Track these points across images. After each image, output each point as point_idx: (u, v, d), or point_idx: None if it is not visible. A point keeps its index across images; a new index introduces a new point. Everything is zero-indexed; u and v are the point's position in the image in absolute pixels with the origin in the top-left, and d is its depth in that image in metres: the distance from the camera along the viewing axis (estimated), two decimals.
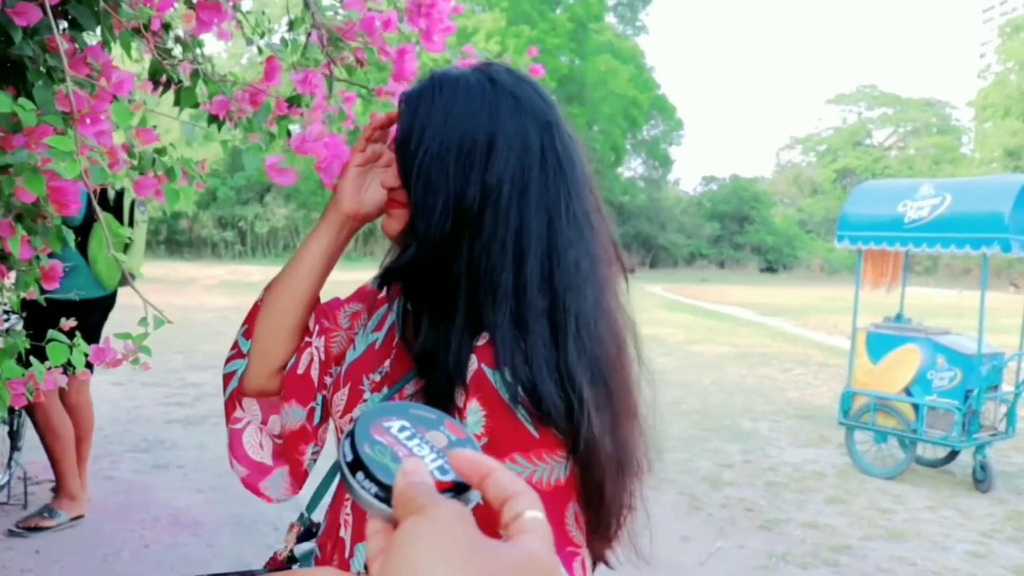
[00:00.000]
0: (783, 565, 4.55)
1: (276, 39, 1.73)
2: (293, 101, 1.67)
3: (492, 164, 1.06)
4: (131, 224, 3.98)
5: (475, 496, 0.61)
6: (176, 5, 1.04)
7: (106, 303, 4.08)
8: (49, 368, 1.46)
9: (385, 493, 0.58)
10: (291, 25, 1.66)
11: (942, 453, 6.75)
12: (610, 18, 50.25)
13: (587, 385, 1.04)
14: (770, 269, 51.85)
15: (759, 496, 5.77)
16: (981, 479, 6.18)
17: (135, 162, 1.73)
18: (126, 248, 3.89)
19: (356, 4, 1.41)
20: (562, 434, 1.00)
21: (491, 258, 1.05)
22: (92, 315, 3.89)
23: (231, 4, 1.50)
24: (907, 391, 6.34)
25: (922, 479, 6.45)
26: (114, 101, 1.05)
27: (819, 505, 5.65)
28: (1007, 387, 6.60)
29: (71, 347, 1.46)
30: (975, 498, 6.01)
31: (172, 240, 39.33)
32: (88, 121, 1.14)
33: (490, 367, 1.02)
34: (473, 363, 1.03)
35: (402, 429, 0.64)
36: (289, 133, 1.60)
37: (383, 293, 1.29)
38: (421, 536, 0.52)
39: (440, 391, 1.04)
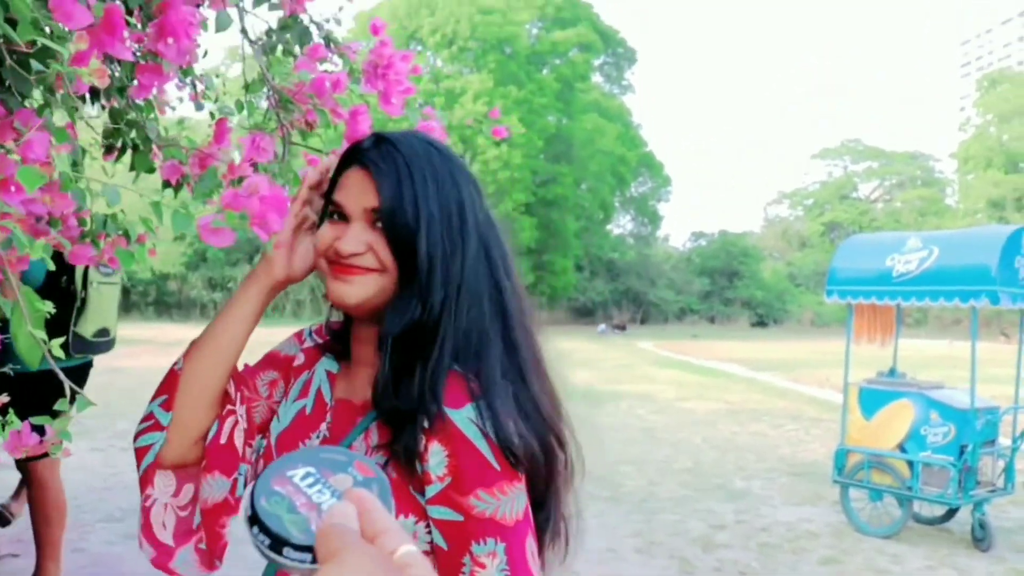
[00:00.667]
0: None
1: (232, 102, 1.67)
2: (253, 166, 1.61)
3: (466, 229, 1.16)
4: (85, 286, 3.77)
5: None
6: (93, 61, 0.98)
7: (72, 375, 3.80)
8: None
9: (276, 545, 0.60)
10: (247, 88, 1.60)
11: (940, 510, 6.62)
12: (596, 78, 50.87)
13: (556, 417, 1.20)
14: (760, 323, 51.84)
15: (752, 558, 5.63)
16: (981, 537, 6.04)
17: (86, 228, 1.66)
18: (79, 312, 3.75)
19: (306, 65, 1.36)
20: (531, 468, 1.10)
21: (478, 312, 1.15)
22: (43, 390, 3.59)
23: (179, 67, 1.44)
24: (901, 447, 6.24)
25: (920, 537, 6.31)
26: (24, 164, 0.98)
27: (813, 567, 5.52)
28: (1004, 441, 6.50)
29: (3, 424, 1.36)
30: (975, 557, 5.88)
31: (161, 302, 39.20)
32: (13, 188, 1.06)
33: (450, 408, 1.08)
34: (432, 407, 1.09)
35: (306, 476, 0.66)
36: None
37: (299, 360, 1.32)
38: None
39: (408, 441, 1.08)
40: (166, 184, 1.70)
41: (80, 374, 3.93)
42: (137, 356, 17.39)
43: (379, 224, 1.13)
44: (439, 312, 1.12)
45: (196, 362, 1.25)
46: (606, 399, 14.20)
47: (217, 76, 1.65)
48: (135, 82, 1.33)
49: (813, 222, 66.01)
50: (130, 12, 1.43)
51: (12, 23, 1.03)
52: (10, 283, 1.00)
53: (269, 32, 1.65)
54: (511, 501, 1.06)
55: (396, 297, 1.14)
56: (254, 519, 0.62)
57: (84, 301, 3.78)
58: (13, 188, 1.06)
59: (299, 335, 1.37)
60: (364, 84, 1.50)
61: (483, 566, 1.03)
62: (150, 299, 38.67)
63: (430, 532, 1.08)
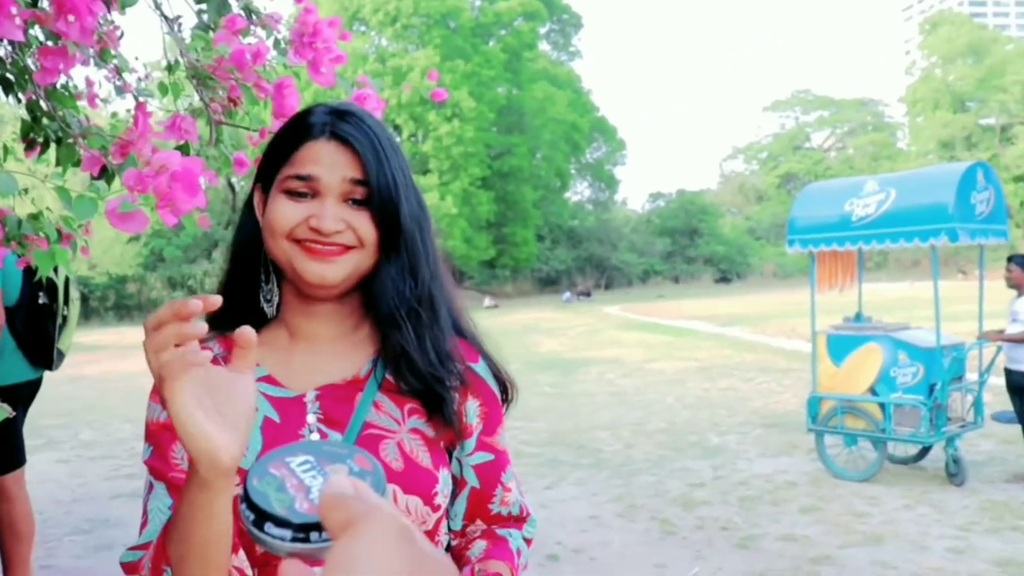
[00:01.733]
0: None
1: (155, 85, 1.57)
2: (180, 150, 1.51)
3: (421, 197, 1.20)
4: (66, 302, 3.82)
5: None
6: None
7: (32, 387, 3.85)
8: None
9: (260, 520, 0.61)
10: (169, 69, 1.50)
11: (914, 450, 6.70)
12: (543, 46, 50.62)
13: None
14: (724, 279, 52.27)
15: (733, 513, 5.64)
16: (954, 472, 6.11)
17: (8, 230, 1.57)
18: (62, 327, 3.79)
19: (227, 38, 1.27)
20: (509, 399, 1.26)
21: (446, 274, 1.22)
22: (18, 400, 3.67)
23: (94, 50, 1.34)
24: (872, 390, 6.28)
25: (895, 478, 6.37)
26: None
27: (794, 516, 5.54)
28: (971, 376, 6.56)
29: None
30: (949, 492, 5.94)
31: (121, 305, 38.57)
32: None
33: (472, 363, 1.20)
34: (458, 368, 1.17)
35: (304, 463, 0.67)
36: None
37: None
38: (364, 552, 0.49)
39: (448, 403, 1.14)
40: (93, 178, 1.60)
41: (38, 387, 3.89)
42: (98, 363, 17.10)
43: (357, 198, 1.09)
44: (429, 282, 1.15)
45: None
46: (575, 366, 14.21)
47: (136, 58, 1.55)
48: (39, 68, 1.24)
49: (768, 175, 66.50)
50: None
51: None
52: None
53: (198, 13, 1.55)
54: (507, 431, 1.26)
55: (384, 273, 1.12)
56: (244, 497, 0.63)
57: (65, 318, 3.83)
58: None
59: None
60: (292, 55, 1.41)
61: (510, 490, 1.23)
62: (109, 303, 38.01)
63: (453, 478, 1.19)
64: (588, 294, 42.21)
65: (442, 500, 1.12)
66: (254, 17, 1.42)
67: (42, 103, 1.65)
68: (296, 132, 1.12)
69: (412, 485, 1.08)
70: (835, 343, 6.54)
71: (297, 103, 1.28)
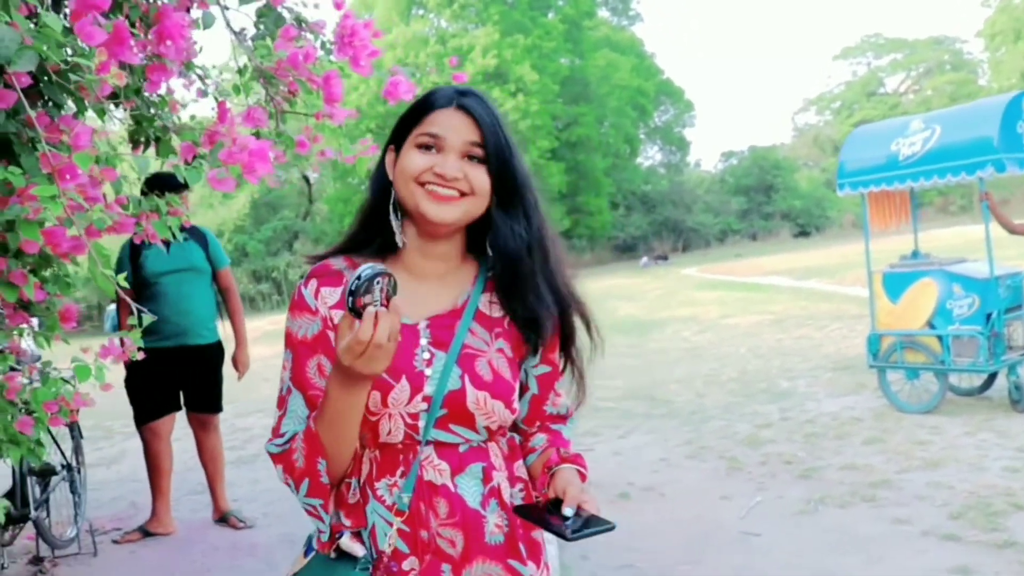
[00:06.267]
0: (821, 508, 4.69)
1: (231, 87, 1.96)
2: (255, 135, 1.90)
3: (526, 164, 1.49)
4: None
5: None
6: (113, 68, 1.27)
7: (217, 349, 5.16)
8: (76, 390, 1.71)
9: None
10: (240, 73, 1.89)
11: (979, 381, 6.83)
12: (603, 12, 50.35)
13: None
14: (803, 233, 51.40)
15: (798, 449, 5.90)
16: (1017, 399, 6.25)
17: (129, 212, 1.97)
18: None
19: (284, 45, 1.64)
20: None
21: (550, 228, 1.54)
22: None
23: (179, 63, 1.73)
24: (930, 324, 6.44)
25: (959, 408, 6.54)
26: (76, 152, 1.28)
27: (857, 448, 5.77)
28: None
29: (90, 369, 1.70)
30: (1012, 418, 6.09)
31: None
32: (68, 176, 1.37)
33: None
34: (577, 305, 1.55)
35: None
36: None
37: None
38: None
39: (544, 333, 1.47)
40: (185, 162, 2.01)
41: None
42: None
43: (475, 155, 1.37)
44: (540, 229, 1.45)
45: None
46: (652, 327, 14.44)
47: (214, 67, 1.94)
48: (147, 81, 1.63)
49: (843, 124, 64.76)
50: (133, 24, 1.72)
51: None
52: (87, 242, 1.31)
53: (256, 24, 1.94)
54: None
55: (500, 219, 1.41)
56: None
57: None
58: (68, 176, 1.37)
59: (304, 304, 1.41)
60: (336, 53, 1.78)
61: (560, 395, 1.55)
62: None
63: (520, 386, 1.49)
64: (665, 258, 42.02)
65: (516, 405, 1.43)
66: (303, 25, 1.79)
67: (143, 109, 2.06)
68: (427, 102, 1.40)
69: (497, 392, 1.39)
70: (891, 281, 6.71)
71: (342, 90, 1.64)
